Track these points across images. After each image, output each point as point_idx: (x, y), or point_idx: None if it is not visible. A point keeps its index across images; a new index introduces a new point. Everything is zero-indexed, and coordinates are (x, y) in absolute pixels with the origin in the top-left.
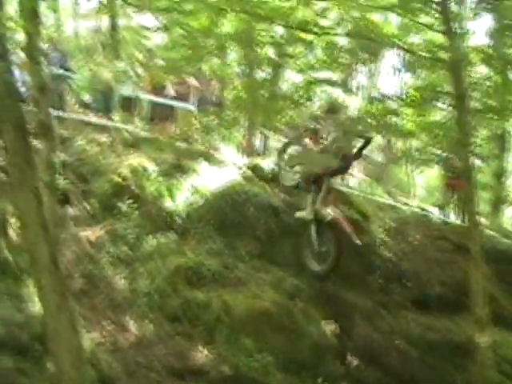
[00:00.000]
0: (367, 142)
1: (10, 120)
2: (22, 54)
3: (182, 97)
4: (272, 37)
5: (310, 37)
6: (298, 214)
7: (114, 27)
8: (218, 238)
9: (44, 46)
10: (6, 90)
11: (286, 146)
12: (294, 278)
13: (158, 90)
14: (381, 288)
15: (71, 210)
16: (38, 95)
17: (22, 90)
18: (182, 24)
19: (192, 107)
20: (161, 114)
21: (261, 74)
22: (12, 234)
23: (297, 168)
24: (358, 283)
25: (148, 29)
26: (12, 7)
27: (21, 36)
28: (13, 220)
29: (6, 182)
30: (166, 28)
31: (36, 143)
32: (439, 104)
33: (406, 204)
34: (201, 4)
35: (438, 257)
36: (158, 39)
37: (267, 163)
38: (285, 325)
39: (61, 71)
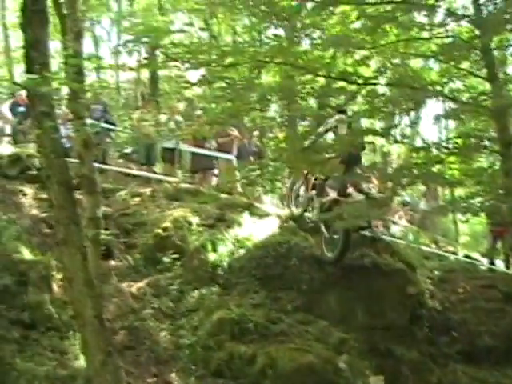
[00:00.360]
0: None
1: (56, 175)
2: (65, 109)
3: (223, 148)
4: (313, 88)
5: (351, 86)
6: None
7: (154, 79)
8: (260, 289)
9: (87, 100)
10: (52, 147)
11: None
12: (339, 330)
13: (199, 141)
14: (428, 339)
15: (114, 263)
16: (81, 150)
17: (67, 144)
18: (223, 77)
19: (234, 158)
20: (203, 166)
21: (302, 124)
22: (56, 288)
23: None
24: (404, 334)
25: (189, 82)
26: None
27: (64, 91)
28: (57, 274)
29: (50, 235)
30: (207, 81)
31: (80, 197)
32: (484, 151)
33: (451, 252)
34: (241, 57)
35: (486, 306)
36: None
37: (309, 214)
38: (331, 379)
39: (103, 124)
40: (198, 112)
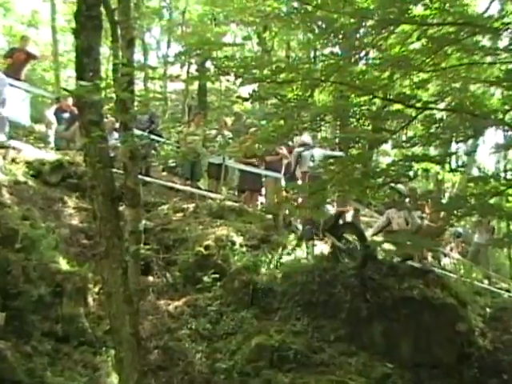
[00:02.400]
0: None
1: (101, 186)
2: (110, 118)
3: (271, 166)
4: (369, 109)
5: (408, 110)
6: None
7: (203, 91)
8: (303, 316)
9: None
10: (99, 157)
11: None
12: (382, 364)
13: (247, 158)
14: (476, 380)
15: (152, 279)
16: (127, 161)
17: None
18: (276, 94)
19: (282, 177)
20: (250, 184)
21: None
22: (91, 301)
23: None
24: (451, 374)
25: (241, 97)
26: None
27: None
28: (93, 287)
29: (88, 247)
30: (259, 96)
31: (123, 209)
32: None
33: (505, 289)
34: (296, 74)
35: None
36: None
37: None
38: None
39: (148, 135)
40: (249, 128)
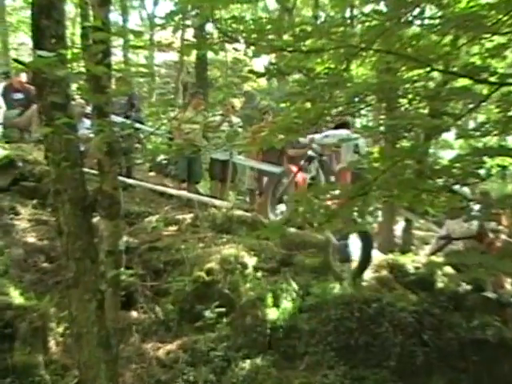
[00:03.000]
0: None
1: (68, 191)
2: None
3: (295, 163)
4: (425, 86)
5: (478, 86)
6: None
7: (202, 64)
8: (338, 364)
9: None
10: (66, 152)
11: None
12: None
13: (264, 153)
14: None
15: (136, 315)
16: (103, 157)
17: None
18: (301, 67)
19: (308, 178)
20: (267, 187)
21: (407, 137)
22: (54, 346)
23: None
24: None
25: (254, 71)
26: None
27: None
28: (56, 327)
29: (49, 272)
30: (278, 71)
31: (97, 222)
32: None
33: None
34: (327, 40)
35: None
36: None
37: (411, 261)
38: None
39: (131, 122)
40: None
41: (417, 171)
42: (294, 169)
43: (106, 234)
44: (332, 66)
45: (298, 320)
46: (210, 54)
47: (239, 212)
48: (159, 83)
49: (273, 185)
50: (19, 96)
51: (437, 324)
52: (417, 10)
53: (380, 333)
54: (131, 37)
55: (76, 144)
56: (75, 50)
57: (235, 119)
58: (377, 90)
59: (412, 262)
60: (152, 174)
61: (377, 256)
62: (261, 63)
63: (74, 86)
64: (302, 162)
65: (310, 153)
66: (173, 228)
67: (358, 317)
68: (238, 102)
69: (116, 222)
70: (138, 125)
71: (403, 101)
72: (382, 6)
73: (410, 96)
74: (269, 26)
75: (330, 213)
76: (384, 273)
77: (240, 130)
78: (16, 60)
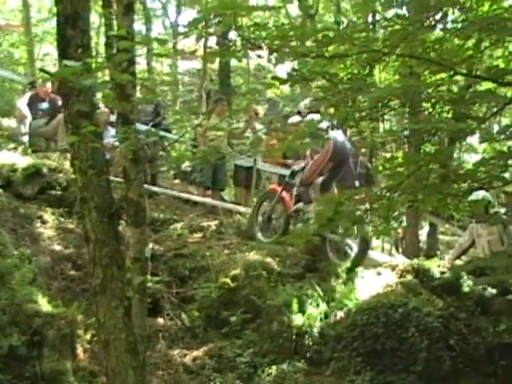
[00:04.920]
0: None
1: (95, 199)
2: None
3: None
4: (449, 90)
5: (503, 89)
6: None
7: (225, 71)
8: (364, 369)
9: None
10: (92, 160)
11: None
12: None
13: (288, 159)
14: None
15: (162, 322)
16: (128, 165)
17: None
18: (325, 73)
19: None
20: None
21: (431, 141)
22: (81, 353)
23: None
24: None
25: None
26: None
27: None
28: (84, 334)
29: (76, 279)
30: (302, 77)
31: (123, 229)
32: None
33: None
34: (350, 45)
35: None
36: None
37: (437, 265)
38: None
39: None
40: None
41: (441, 175)
42: (278, 188)
43: (132, 241)
44: (355, 71)
45: (323, 326)
46: (233, 62)
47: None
48: (183, 91)
49: (256, 206)
50: (45, 105)
51: (463, 328)
52: (439, 14)
53: (406, 338)
54: (155, 45)
55: (102, 152)
56: (100, 59)
57: (259, 126)
58: (400, 94)
59: (437, 266)
60: (177, 181)
61: (402, 260)
62: (284, 70)
63: (99, 95)
64: (286, 178)
65: (293, 167)
66: (198, 235)
67: (384, 322)
68: (261, 109)
69: (142, 229)
70: (163, 132)
71: (427, 105)
72: (403, 11)
73: (433, 100)
74: (291, 33)
75: (356, 218)
76: (409, 277)
77: (264, 136)
78: (42, 70)
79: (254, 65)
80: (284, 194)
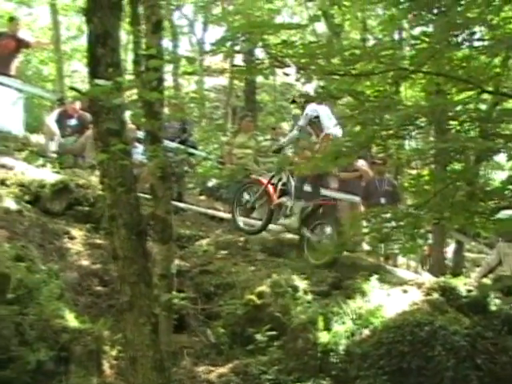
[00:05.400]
0: None
1: (123, 216)
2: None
3: (346, 186)
4: (477, 108)
5: None
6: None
7: (251, 88)
8: None
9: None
10: (121, 178)
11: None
12: None
13: (314, 177)
14: None
15: (187, 338)
16: (156, 182)
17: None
18: (352, 91)
19: (359, 201)
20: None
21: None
22: (108, 369)
23: None
24: None
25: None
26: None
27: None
28: (110, 350)
29: (103, 295)
30: (329, 95)
31: (150, 246)
32: None
33: None
34: (377, 63)
35: None
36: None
37: (464, 284)
38: None
39: (184, 148)
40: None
41: (468, 193)
42: (264, 180)
43: (159, 257)
44: (381, 88)
45: (349, 344)
46: (258, 78)
47: (290, 235)
48: (209, 108)
49: (237, 195)
50: (73, 122)
51: (490, 347)
52: (466, 32)
53: (433, 356)
54: (183, 62)
55: (131, 169)
56: (127, 76)
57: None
58: (428, 112)
59: (464, 284)
60: (203, 197)
61: (428, 278)
62: (309, 86)
63: (127, 112)
64: (273, 172)
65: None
66: (223, 251)
67: (411, 340)
68: (287, 126)
69: (168, 246)
70: (189, 149)
71: (454, 123)
72: (430, 28)
73: (461, 118)
74: (318, 51)
75: (383, 235)
76: (436, 296)
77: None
78: (73, 88)
79: (280, 82)
80: (269, 187)
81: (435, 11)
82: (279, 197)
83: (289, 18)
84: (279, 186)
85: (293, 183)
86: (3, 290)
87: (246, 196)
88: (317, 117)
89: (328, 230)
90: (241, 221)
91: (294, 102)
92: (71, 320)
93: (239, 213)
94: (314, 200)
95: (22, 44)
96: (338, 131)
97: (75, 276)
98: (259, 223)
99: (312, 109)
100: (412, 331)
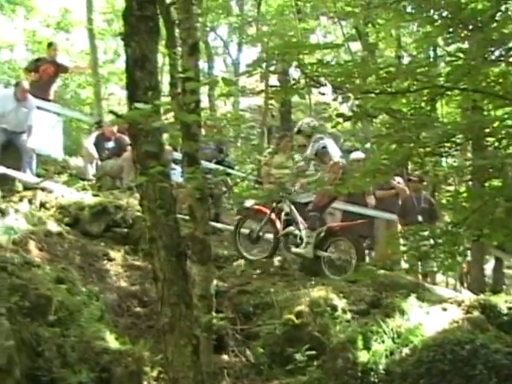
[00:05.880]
0: None
1: (163, 238)
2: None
3: (383, 204)
4: None
5: None
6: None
7: (286, 108)
8: None
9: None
10: (160, 200)
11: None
12: None
13: (351, 195)
14: None
15: (227, 358)
16: (194, 203)
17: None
18: (388, 109)
19: (396, 219)
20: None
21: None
22: None
23: None
24: None
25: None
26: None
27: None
28: (150, 371)
29: (142, 316)
30: (366, 113)
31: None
32: None
33: None
34: (413, 81)
35: None
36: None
37: (504, 301)
38: None
39: (224, 169)
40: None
41: (507, 209)
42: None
43: (198, 278)
44: (418, 106)
45: (389, 362)
46: (294, 98)
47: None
48: (244, 127)
49: (238, 225)
50: (111, 145)
51: None
52: (502, 48)
53: (474, 375)
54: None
55: (170, 191)
56: (164, 99)
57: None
58: (465, 129)
59: (504, 301)
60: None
61: (468, 296)
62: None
63: (165, 134)
64: (274, 204)
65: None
66: (261, 271)
67: (451, 359)
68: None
69: (207, 267)
70: (227, 170)
71: (492, 140)
72: (465, 45)
73: (498, 135)
74: (354, 70)
75: (421, 253)
76: (476, 313)
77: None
78: (112, 112)
79: (314, 101)
80: (273, 216)
81: (470, 27)
82: (284, 227)
83: (322, 36)
84: (283, 217)
85: (296, 213)
86: (45, 312)
87: (250, 225)
88: (324, 147)
89: (343, 246)
90: (243, 249)
91: (299, 131)
92: (112, 341)
93: (243, 242)
94: (325, 225)
95: (60, 69)
96: (343, 161)
97: (115, 297)
98: (265, 252)
99: (318, 139)
100: (452, 350)
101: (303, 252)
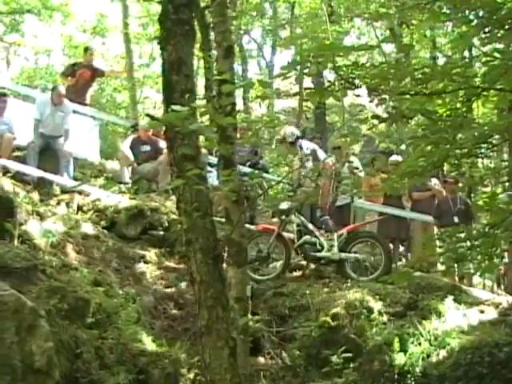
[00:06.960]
0: None
1: (200, 241)
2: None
3: (419, 206)
4: None
5: None
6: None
7: (321, 110)
8: None
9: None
10: (197, 203)
11: None
12: None
13: (385, 196)
14: None
15: (263, 361)
16: (231, 206)
17: None
18: (424, 110)
19: (433, 220)
20: (391, 231)
21: None
22: None
23: None
24: None
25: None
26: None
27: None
28: (187, 373)
29: (178, 318)
30: (401, 115)
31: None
32: None
33: None
34: (449, 82)
35: None
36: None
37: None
38: None
39: (260, 172)
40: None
41: None
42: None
43: (235, 281)
44: (454, 107)
45: (426, 365)
46: (328, 99)
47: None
48: (278, 130)
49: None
50: (147, 148)
51: None
52: None
53: None
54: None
55: (206, 194)
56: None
57: (355, 163)
58: (502, 130)
59: None
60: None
61: (505, 298)
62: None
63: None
64: (283, 217)
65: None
66: (297, 273)
67: (489, 361)
68: (357, 146)
69: (243, 269)
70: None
71: None
72: (501, 45)
73: None
74: (390, 71)
75: (458, 255)
76: None
77: (361, 174)
78: (148, 115)
79: (349, 102)
80: (281, 231)
81: (507, 27)
82: (299, 238)
83: (357, 38)
84: (295, 228)
85: (307, 222)
86: (83, 314)
87: (258, 246)
88: (314, 150)
89: (368, 247)
90: (255, 273)
91: (282, 141)
92: (149, 343)
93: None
94: (346, 226)
95: (96, 73)
96: (332, 159)
97: (151, 300)
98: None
99: (306, 144)
100: (490, 352)
101: (329, 255)
